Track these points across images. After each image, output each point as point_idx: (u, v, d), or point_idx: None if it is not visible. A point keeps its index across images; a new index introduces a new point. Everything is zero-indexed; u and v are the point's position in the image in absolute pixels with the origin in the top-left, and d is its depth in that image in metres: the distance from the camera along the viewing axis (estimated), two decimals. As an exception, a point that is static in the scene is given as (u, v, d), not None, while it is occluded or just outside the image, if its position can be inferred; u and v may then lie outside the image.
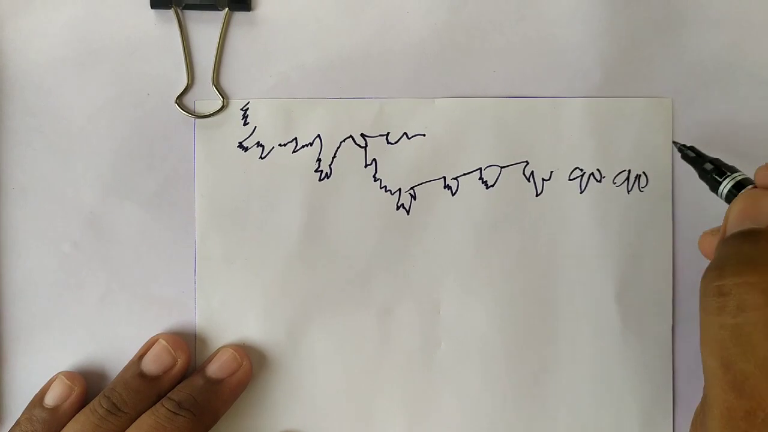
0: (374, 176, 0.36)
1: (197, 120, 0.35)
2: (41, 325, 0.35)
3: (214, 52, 0.36)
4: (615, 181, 0.36)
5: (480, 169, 0.36)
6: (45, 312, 0.35)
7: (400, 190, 0.36)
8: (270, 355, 0.36)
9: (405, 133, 0.36)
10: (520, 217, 0.36)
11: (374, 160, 0.36)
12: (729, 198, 0.30)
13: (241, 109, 0.36)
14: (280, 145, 0.36)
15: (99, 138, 0.36)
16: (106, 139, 0.36)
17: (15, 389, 0.35)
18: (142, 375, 0.33)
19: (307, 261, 0.36)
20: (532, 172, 0.36)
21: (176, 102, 0.36)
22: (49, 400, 0.34)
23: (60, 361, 0.35)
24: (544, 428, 0.36)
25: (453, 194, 0.36)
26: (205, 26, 0.36)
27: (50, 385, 0.34)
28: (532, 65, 0.36)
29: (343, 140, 0.36)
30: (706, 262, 0.36)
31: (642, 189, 0.36)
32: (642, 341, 0.36)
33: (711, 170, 0.31)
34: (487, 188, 0.36)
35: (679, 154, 0.33)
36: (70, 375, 0.34)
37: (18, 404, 0.35)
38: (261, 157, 0.36)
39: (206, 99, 0.36)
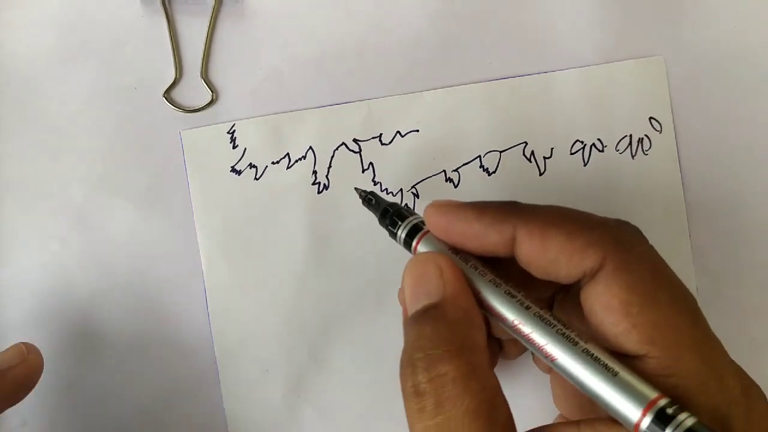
0: (373, 180, 0.35)
1: (187, 153, 0.34)
2: (30, 324, 0.34)
3: (203, 44, 0.35)
4: (618, 148, 0.36)
5: (479, 156, 0.35)
6: (34, 311, 0.35)
7: (401, 190, 0.35)
8: (298, 380, 0.35)
9: (398, 132, 0.35)
10: (527, 200, 0.35)
11: (371, 163, 0.35)
12: (408, 246, 0.27)
13: (228, 133, 0.35)
14: (273, 163, 0.35)
15: (86, 133, 0.35)
16: (94, 133, 0.35)
17: None
18: None
19: (319, 277, 0.35)
20: (533, 152, 0.35)
21: (164, 96, 0.35)
22: None
23: (49, 359, 0.34)
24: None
25: (456, 186, 0.35)
26: (194, 18, 0.35)
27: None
28: (528, 53, 0.35)
29: (336, 148, 0.35)
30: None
31: (646, 152, 0.36)
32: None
33: (389, 216, 0.28)
34: (489, 175, 0.35)
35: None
36: (29, 346, 0.31)
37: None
38: (256, 178, 0.35)
39: (195, 93, 0.35)
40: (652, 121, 0.36)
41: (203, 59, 0.35)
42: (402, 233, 0.27)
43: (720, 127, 0.36)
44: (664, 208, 0.36)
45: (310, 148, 0.35)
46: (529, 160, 0.35)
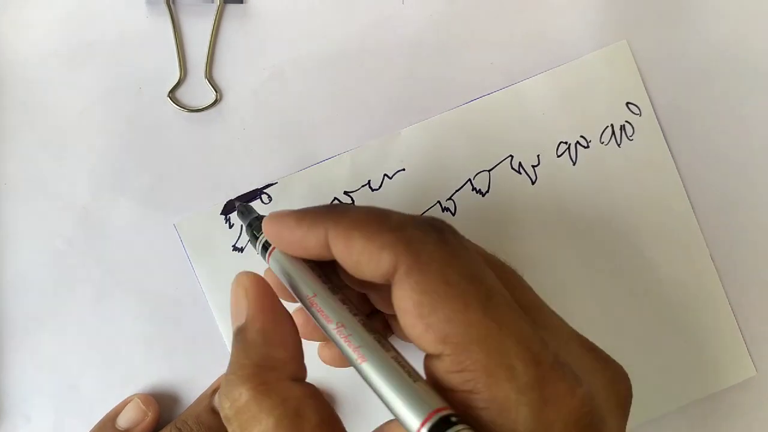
0: (372, 226, 0.35)
1: (185, 240, 0.35)
2: (35, 322, 0.35)
3: (207, 45, 0.35)
4: (602, 140, 0.36)
5: (470, 180, 0.35)
6: (38, 309, 0.35)
7: (401, 230, 0.35)
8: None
9: (385, 175, 0.35)
10: (525, 213, 0.35)
11: (366, 211, 0.35)
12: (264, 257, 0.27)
13: (221, 214, 0.35)
14: (271, 233, 0.35)
15: (91, 133, 0.35)
16: (99, 133, 0.35)
17: (9, 387, 0.35)
18: (214, 410, 0.33)
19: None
20: (520, 163, 0.36)
21: (169, 96, 0.35)
22: (122, 422, 0.34)
23: (54, 358, 0.35)
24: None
25: (453, 214, 0.35)
26: (198, 19, 0.36)
27: (124, 406, 0.34)
28: (529, 55, 0.36)
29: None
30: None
31: (631, 138, 0.36)
32: (686, 279, 0.36)
33: (250, 230, 0.29)
34: (483, 196, 0.35)
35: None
36: (145, 399, 0.34)
37: (12, 402, 0.35)
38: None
39: (199, 92, 0.35)
40: (630, 106, 0.36)
41: (207, 59, 0.35)
42: (258, 246, 0.28)
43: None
44: (661, 186, 0.36)
45: (304, 210, 0.35)
46: (519, 172, 0.36)
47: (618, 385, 0.24)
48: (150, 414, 0.34)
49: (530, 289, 0.25)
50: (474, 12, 0.36)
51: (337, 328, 0.23)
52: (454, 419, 0.20)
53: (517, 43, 0.36)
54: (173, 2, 0.35)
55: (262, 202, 0.35)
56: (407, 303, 0.21)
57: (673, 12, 0.36)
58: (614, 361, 0.24)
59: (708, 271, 0.36)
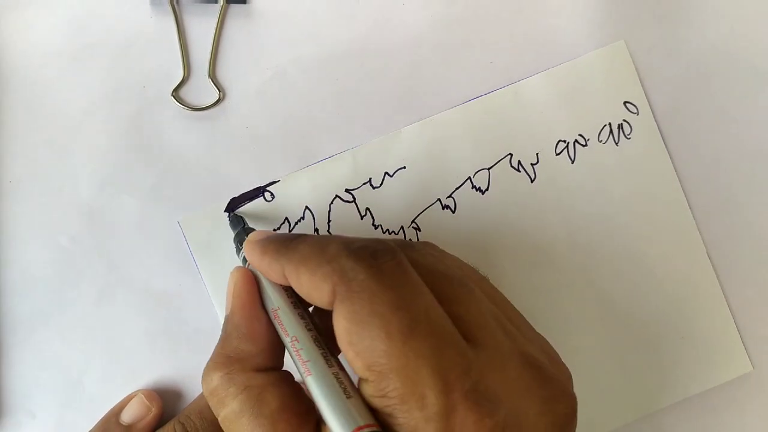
0: (373, 224, 0.36)
1: (188, 237, 0.35)
2: (39, 318, 0.35)
3: (210, 44, 0.36)
4: (600, 139, 0.36)
5: (469, 178, 0.36)
6: (43, 306, 0.35)
7: (402, 227, 0.36)
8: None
9: (386, 173, 0.36)
10: (524, 210, 0.36)
11: (367, 209, 0.36)
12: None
13: (224, 211, 0.36)
14: (274, 230, 0.36)
15: (96, 131, 0.36)
16: (103, 132, 0.36)
17: (13, 383, 0.35)
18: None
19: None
20: (519, 162, 0.36)
21: (172, 95, 0.36)
22: (126, 416, 0.34)
23: (58, 354, 0.35)
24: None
25: (453, 212, 0.36)
26: (202, 19, 0.36)
27: (128, 401, 0.35)
28: (528, 55, 0.36)
29: (331, 202, 0.36)
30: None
31: (628, 137, 0.36)
32: (683, 276, 0.36)
33: (236, 241, 0.32)
34: (482, 194, 0.36)
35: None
36: (149, 394, 0.35)
37: (17, 398, 0.35)
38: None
39: (202, 92, 0.36)
40: (627, 105, 0.36)
41: (211, 59, 0.36)
42: (241, 257, 0.30)
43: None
44: (658, 185, 0.36)
45: (307, 207, 0.36)
46: (518, 170, 0.36)
47: (555, 405, 0.24)
48: (154, 409, 0.34)
49: (483, 302, 0.25)
50: (474, 13, 0.36)
51: (292, 341, 0.25)
52: None
53: (516, 43, 0.36)
54: (177, 2, 0.36)
55: (265, 199, 0.36)
56: (340, 329, 0.23)
57: (670, 12, 0.37)
58: (558, 380, 0.25)
59: (705, 267, 0.36)
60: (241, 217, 0.34)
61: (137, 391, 0.35)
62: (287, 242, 0.26)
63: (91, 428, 0.34)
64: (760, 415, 0.37)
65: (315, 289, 0.24)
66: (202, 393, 0.35)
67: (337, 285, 0.23)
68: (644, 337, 0.36)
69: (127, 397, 0.35)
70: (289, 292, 0.27)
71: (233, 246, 0.35)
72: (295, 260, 0.25)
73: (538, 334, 0.27)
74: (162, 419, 0.35)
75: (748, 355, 0.36)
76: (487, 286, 0.27)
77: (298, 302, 0.27)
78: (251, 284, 0.27)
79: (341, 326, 0.23)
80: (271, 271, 0.26)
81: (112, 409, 0.35)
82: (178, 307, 0.36)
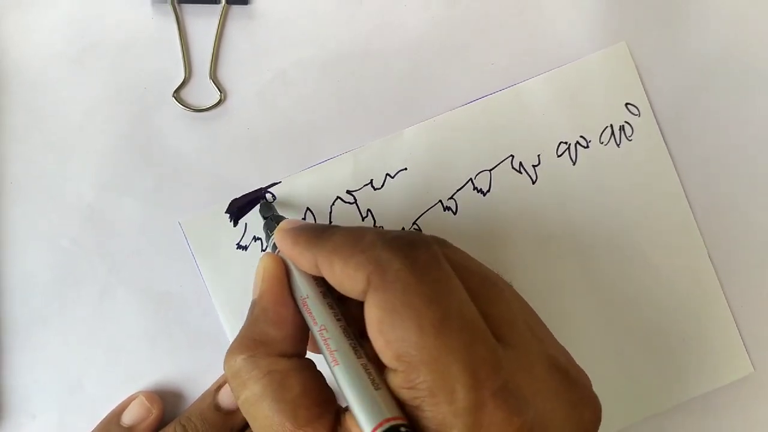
0: (374, 225, 0.36)
1: (190, 238, 0.35)
2: (40, 320, 0.35)
3: (212, 45, 0.36)
4: (602, 140, 0.36)
5: (471, 179, 0.36)
6: (44, 307, 0.35)
7: (403, 229, 0.36)
8: None
9: (387, 174, 0.36)
10: (526, 211, 0.36)
11: (368, 210, 0.36)
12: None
13: (225, 213, 0.36)
14: (276, 231, 0.36)
15: (97, 133, 0.36)
16: (104, 133, 0.36)
17: (14, 385, 0.35)
18: (218, 407, 0.34)
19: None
20: (521, 163, 0.36)
21: (173, 96, 0.36)
22: (127, 419, 0.34)
23: (59, 356, 0.35)
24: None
25: (455, 213, 0.36)
26: (203, 20, 0.36)
27: (129, 403, 0.35)
28: (530, 57, 0.36)
29: (332, 203, 0.36)
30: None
31: (630, 138, 0.36)
32: (684, 278, 0.36)
33: (269, 226, 0.32)
34: (484, 195, 0.36)
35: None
36: (149, 396, 0.35)
37: (17, 400, 0.35)
38: (263, 250, 0.36)
39: (203, 93, 0.36)
40: (629, 106, 0.36)
41: (212, 60, 0.36)
42: (270, 243, 0.30)
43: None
44: (659, 186, 0.36)
45: (308, 209, 0.36)
46: (519, 172, 0.36)
47: (581, 410, 0.24)
48: (154, 411, 0.34)
49: (513, 302, 0.25)
50: (475, 14, 0.36)
51: (320, 330, 0.25)
52: (403, 430, 0.22)
53: (518, 44, 0.36)
54: (178, 3, 0.36)
55: (266, 201, 0.35)
56: (372, 318, 0.23)
57: (671, 14, 0.37)
58: (584, 385, 0.25)
59: (706, 269, 0.36)
60: (272, 204, 0.34)
61: (138, 392, 0.35)
62: (320, 232, 0.26)
63: (91, 430, 0.34)
64: (762, 417, 0.37)
65: (348, 278, 0.24)
66: (203, 394, 0.35)
67: (371, 274, 0.23)
68: (646, 339, 0.36)
69: (127, 398, 0.35)
70: (319, 281, 0.27)
71: (234, 247, 0.35)
72: (329, 249, 0.25)
73: (559, 342, 0.27)
74: (163, 421, 0.35)
75: (749, 356, 0.37)
76: (513, 291, 0.27)
77: (327, 292, 0.27)
78: (281, 270, 0.27)
79: (373, 315, 0.22)
80: (303, 259, 0.26)
81: (112, 411, 0.35)
82: (179, 308, 0.36)
